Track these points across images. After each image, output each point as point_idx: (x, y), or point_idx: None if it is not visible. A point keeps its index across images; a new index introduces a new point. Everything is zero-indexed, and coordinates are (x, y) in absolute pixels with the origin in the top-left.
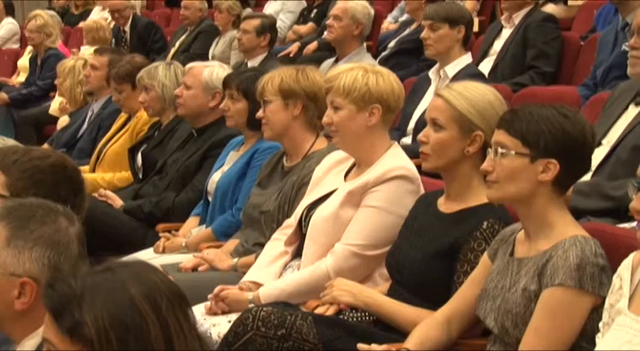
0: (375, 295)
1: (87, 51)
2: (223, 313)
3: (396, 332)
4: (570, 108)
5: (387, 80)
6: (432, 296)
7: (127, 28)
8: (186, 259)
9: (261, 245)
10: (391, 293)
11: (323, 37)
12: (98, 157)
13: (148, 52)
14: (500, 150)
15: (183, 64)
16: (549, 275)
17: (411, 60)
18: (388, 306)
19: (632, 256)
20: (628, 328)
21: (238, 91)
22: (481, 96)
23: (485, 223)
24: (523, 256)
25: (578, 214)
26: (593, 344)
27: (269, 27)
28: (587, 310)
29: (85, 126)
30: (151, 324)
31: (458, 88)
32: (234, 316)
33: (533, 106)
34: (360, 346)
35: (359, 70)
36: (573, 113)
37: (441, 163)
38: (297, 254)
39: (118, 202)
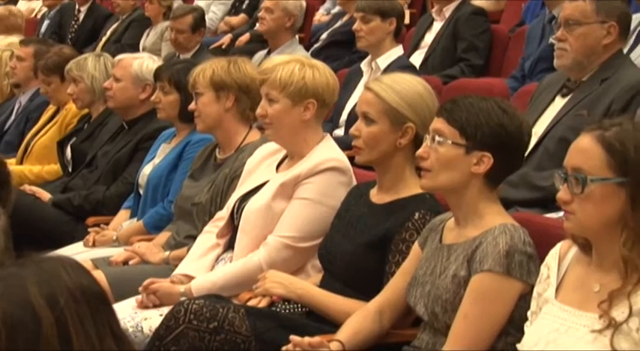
0: (308, 286)
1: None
2: (155, 306)
3: (329, 323)
4: (510, 104)
5: (323, 74)
6: (364, 287)
7: (84, 9)
8: (117, 253)
9: (193, 238)
10: (323, 284)
11: (255, 28)
12: (26, 150)
13: (93, 43)
14: (437, 138)
15: (115, 54)
16: (478, 261)
17: (343, 52)
18: (320, 297)
19: (559, 245)
20: (555, 317)
21: (170, 84)
22: (410, 88)
23: (416, 214)
24: (453, 243)
25: (506, 204)
26: (521, 331)
27: (201, 20)
28: (515, 297)
29: (12, 118)
30: (45, 324)
31: (387, 80)
32: (166, 310)
33: (474, 97)
34: (292, 338)
35: (295, 64)
36: (512, 109)
37: (374, 156)
38: (230, 247)
39: (45, 195)
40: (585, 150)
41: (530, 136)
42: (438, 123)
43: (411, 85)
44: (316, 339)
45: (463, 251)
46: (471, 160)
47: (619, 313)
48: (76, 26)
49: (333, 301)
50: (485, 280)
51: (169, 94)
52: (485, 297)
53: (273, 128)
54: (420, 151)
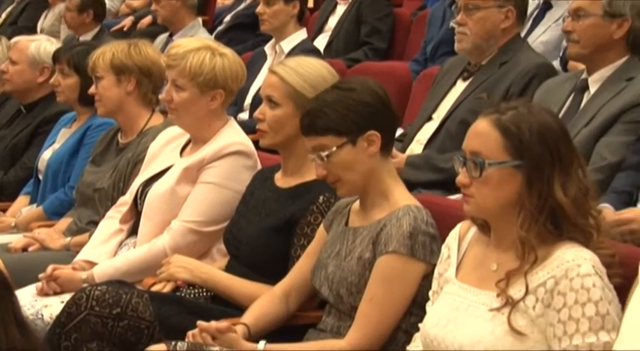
0: (212, 271)
1: None
2: (55, 293)
3: (234, 307)
4: (350, 78)
5: (234, 64)
6: (269, 271)
7: None
8: (16, 239)
9: (95, 223)
10: (229, 269)
11: None
12: None
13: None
14: (322, 154)
15: (11, 37)
16: (383, 243)
17: (247, 35)
18: (225, 281)
19: (459, 226)
20: (456, 296)
21: (69, 66)
22: (314, 71)
23: (321, 197)
24: (358, 226)
25: (410, 186)
26: (424, 311)
27: (91, 3)
28: (419, 278)
29: None
30: None
31: (291, 64)
32: (67, 297)
33: (319, 97)
34: (199, 323)
35: (206, 52)
36: (356, 82)
37: (279, 139)
38: (133, 232)
39: None
40: (482, 134)
41: (384, 90)
42: (311, 141)
43: (315, 68)
44: (223, 324)
45: (369, 234)
46: (363, 146)
47: (516, 291)
48: None
49: (237, 285)
50: (390, 261)
51: (69, 77)
52: (391, 278)
53: (178, 114)
54: (318, 173)
